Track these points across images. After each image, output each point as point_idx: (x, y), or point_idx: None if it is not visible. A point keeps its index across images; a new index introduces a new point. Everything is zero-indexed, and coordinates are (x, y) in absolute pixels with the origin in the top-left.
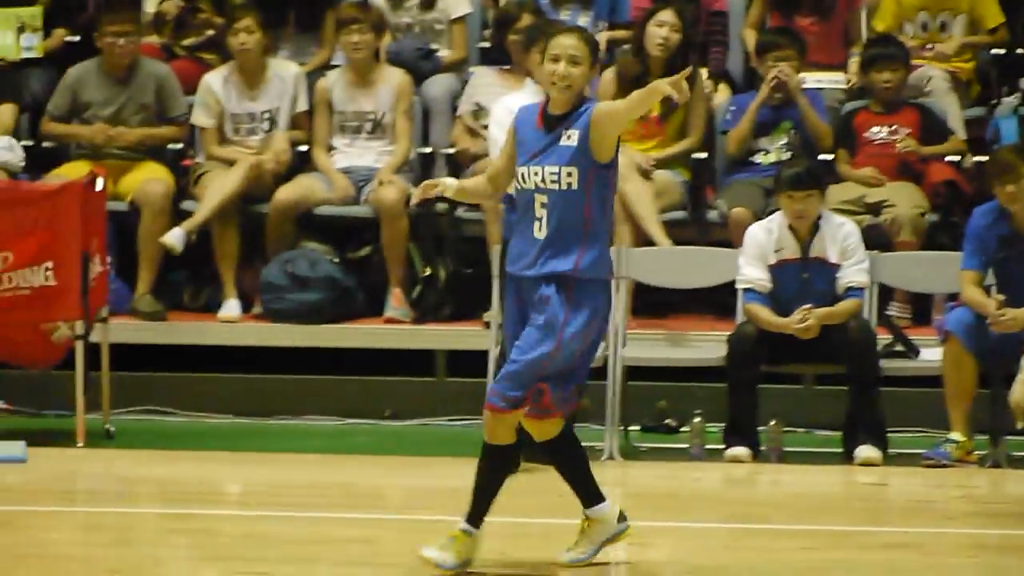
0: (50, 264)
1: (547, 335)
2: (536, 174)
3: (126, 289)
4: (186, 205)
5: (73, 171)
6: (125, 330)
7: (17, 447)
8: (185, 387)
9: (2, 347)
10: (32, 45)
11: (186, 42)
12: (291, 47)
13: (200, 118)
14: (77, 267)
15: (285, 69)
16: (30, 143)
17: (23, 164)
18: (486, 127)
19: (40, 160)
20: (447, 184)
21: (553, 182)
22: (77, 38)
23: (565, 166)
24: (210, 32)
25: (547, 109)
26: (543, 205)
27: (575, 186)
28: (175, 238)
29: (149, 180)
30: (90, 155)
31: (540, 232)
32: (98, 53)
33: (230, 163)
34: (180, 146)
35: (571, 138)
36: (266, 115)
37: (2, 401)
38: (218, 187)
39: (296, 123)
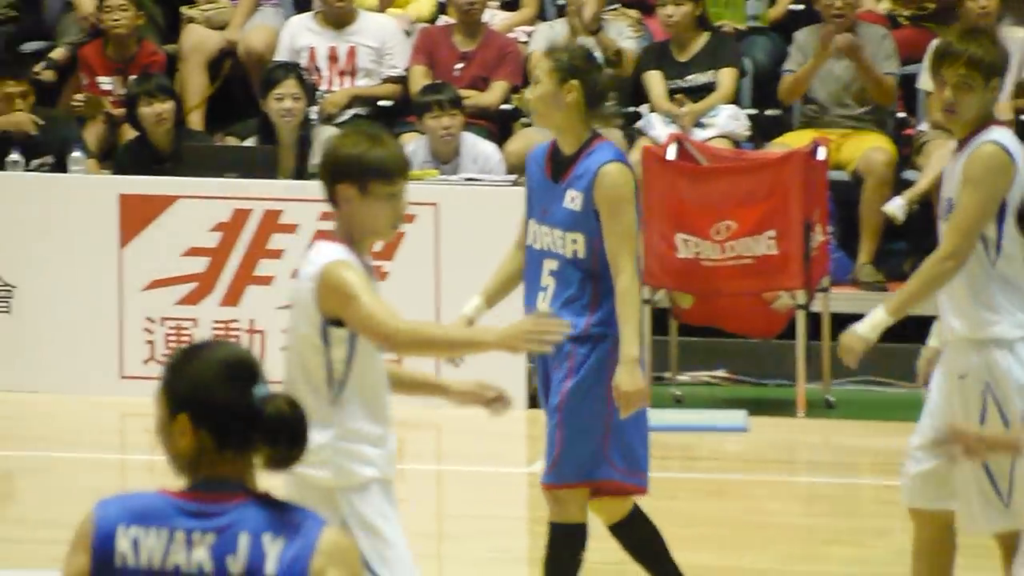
0: (772, 233)
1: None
2: None
3: (847, 259)
4: (907, 174)
5: (796, 140)
6: (845, 300)
7: (738, 416)
8: (904, 357)
9: (724, 315)
10: (757, 14)
11: (907, 12)
12: (1016, 13)
13: (927, 84)
14: (799, 236)
15: (1012, 35)
16: (754, 112)
17: (748, 133)
18: None
19: (763, 129)
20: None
21: None
22: (801, 7)
23: None
24: (930, 5)
25: None
26: None
27: None
28: (896, 207)
29: (872, 149)
30: (813, 124)
31: None
32: (819, 20)
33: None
34: (903, 115)
35: None
36: None
37: (723, 370)
38: (940, 156)
39: (1021, 90)
